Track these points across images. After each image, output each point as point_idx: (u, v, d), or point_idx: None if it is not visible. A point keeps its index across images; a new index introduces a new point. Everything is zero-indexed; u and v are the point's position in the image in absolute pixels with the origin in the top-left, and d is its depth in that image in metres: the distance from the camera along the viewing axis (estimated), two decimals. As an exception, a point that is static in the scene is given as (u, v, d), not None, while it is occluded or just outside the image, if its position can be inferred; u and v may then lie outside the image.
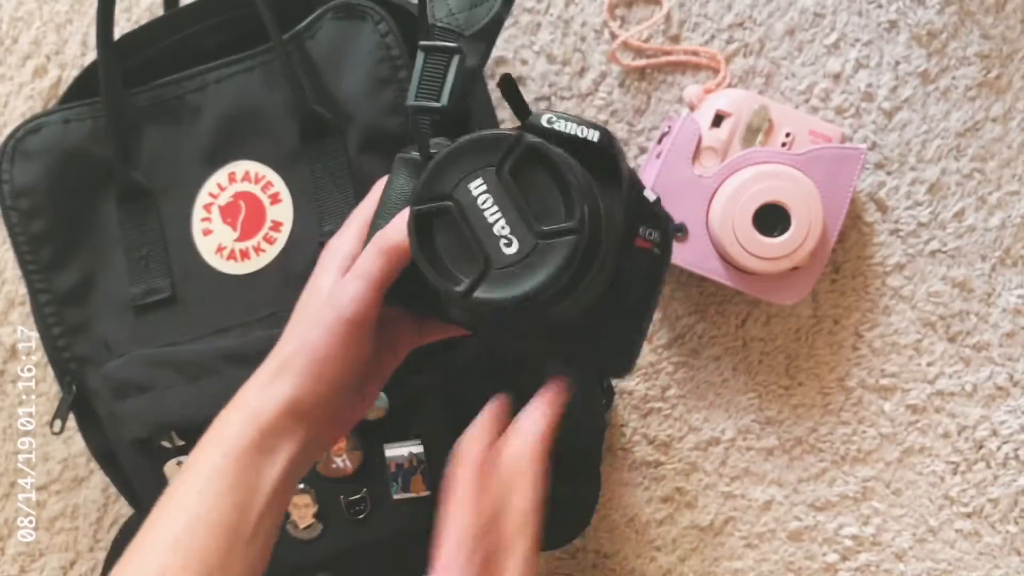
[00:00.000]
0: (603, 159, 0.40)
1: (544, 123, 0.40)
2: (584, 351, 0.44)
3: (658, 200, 0.44)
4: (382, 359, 0.47)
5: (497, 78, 0.67)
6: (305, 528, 0.57)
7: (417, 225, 0.37)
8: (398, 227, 0.43)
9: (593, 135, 0.40)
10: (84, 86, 0.59)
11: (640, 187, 0.44)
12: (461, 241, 0.36)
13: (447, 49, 0.43)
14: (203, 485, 0.42)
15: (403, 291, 0.44)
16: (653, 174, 0.63)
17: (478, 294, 0.36)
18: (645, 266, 0.44)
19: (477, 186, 0.36)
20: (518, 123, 0.44)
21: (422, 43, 0.43)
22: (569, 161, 0.37)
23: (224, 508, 0.42)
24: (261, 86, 0.57)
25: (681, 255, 0.63)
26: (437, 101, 0.42)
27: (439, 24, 0.44)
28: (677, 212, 0.63)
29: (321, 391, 0.44)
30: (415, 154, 0.44)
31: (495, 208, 0.36)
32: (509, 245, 0.36)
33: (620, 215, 0.42)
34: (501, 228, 0.36)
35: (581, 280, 0.37)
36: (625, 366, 0.45)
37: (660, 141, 0.66)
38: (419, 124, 0.42)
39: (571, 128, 0.40)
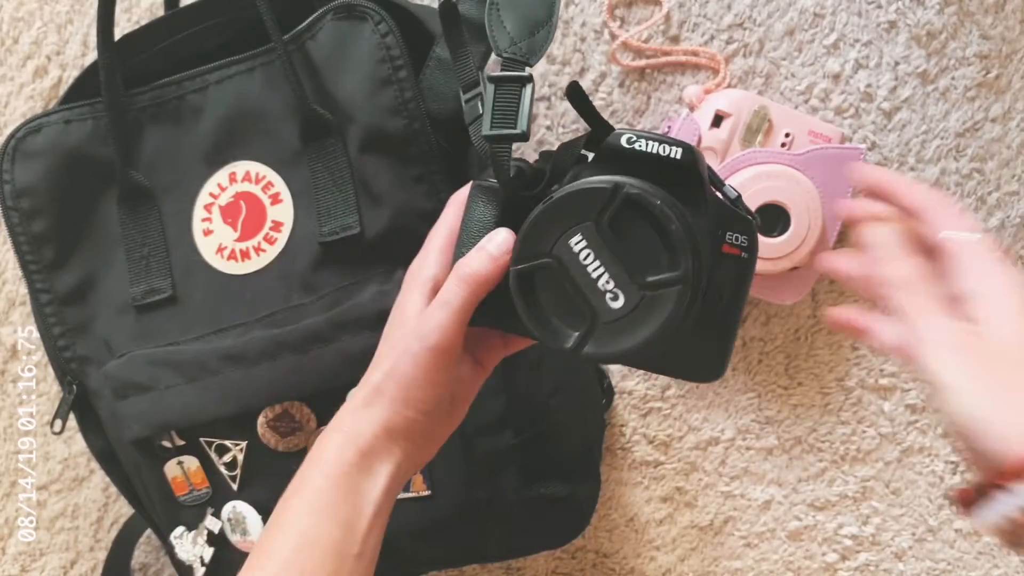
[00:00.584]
0: (688, 176, 0.40)
1: (624, 143, 0.40)
2: (674, 363, 0.43)
3: (739, 197, 0.44)
4: (471, 375, 0.48)
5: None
6: (305, 528, 0.57)
7: (519, 285, 0.36)
8: (479, 257, 0.44)
9: (676, 152, 0.40)
10: (85, 86, 0.59)
11: (720, 185, 0.43)
12: (565, 296, 0.36)
13: (519, 79, 0.43)
14: (309, 507, 0.44)
15: (489, 311, 0.44)
16: None
17: (587, 350, 0.36)
18: (734, 272, 0.43)
19: (577, 242, 0.36)
20: (587, 130, 0.44)
21: (492, 75, 0.44)
22: (667, 209, 0.36)
23: (331, 528, 0.43)
24: (262, 86, 0.57)
25: None
26: (515, 128, 0.42)
27: (505, 55, 0.45)
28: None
29: (412, 415, 0.45)
30: (492, 181, 0.44)
31: (597, 263, 0.36)
32: (615, 299, 0.36)
33: (707, 229, 0.41)
34: (605, 283, 0.36)
35: (686, 321, 0.37)
36: (718, 372, 0.44)
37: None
38: (497, 153, 0.43)
39: (653, 147, 0.40)
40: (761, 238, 0.61)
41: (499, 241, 0.43)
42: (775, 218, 0.61)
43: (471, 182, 0.46)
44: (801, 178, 0.62)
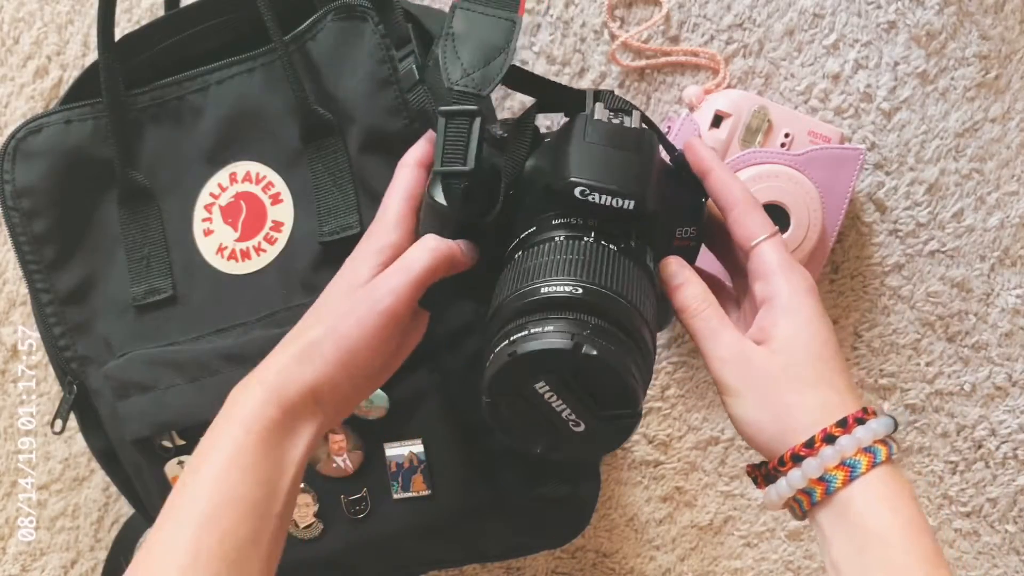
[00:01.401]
0: (641, 219, 0.43)
1: (578, 195, 0.42)
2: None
3: (684, 166, 0.47)
4: (404, 346, 0.48)
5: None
6: (306, 527, 0.57)
7: (490, 410, 0.39)
8: (450, 243, 0.45)
9: (629, 204, 0.42)
10: (85, 86, 0.59)
11: (672, 151, 0.47)
12: (532, 416, 0.39)
13: (467, 112, 0.44)
14: (228, 461, 0.42)
15: (437, 299, 0.46)
16: None
17: (553, 456, 0.40)
18: (683, 256, 0.47)
19: (542, 387, 0.38)
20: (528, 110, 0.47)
21: (442, 108, 0.45)
22: (625, 362, 0.38)
23: (252, 486, 0.42)
24: (262, 87, 0.57)
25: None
26: (464, 164, 0.44)
27: (456, 88, 0.45)
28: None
29: (344, 379, 0.44)
30: (443, 203, 0.46)
31: (560, 402, 0.38)
32: (577, 425, 0.39)
33: (661, 253, 0.46)
34: (568, 415, 0.39)
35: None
36: (663, 324, 0.48)
37: (659, 142, 0.66)
38: (450, 188, 0.44)
39: (606, 200, 0.42)
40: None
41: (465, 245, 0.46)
42: (775, 218, 0.61)
43: (427, 187, 0.46)
44: (801, 178, 0.62)
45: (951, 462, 0.72)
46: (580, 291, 0.39)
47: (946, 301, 0.69)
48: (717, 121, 0.63)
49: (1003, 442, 0.71)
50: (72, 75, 0.69)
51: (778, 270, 0.44)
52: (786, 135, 0.63)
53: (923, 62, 0.67)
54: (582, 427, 0.38)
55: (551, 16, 0.67)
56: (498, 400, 0.39)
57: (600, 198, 0.41)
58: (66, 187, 0.58)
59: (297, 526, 0.57)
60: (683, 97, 0.66)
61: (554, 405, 0.38)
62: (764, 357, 0.43)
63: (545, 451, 0.40)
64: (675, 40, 0.67)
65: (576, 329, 0.38)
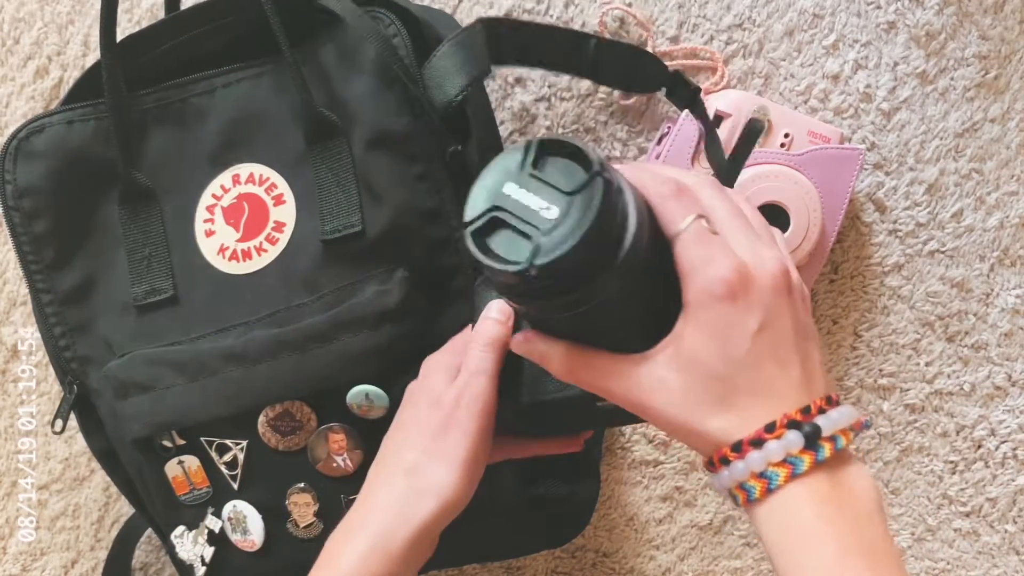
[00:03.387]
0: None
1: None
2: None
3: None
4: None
5: (499, 79, 0.67)
6: (306, 527, 0.58)
7: (475, 239, 0.38)
8: (488, 323, 0.48)
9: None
10: (87, 87, 0.59)
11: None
12: (513, 234, 0.38)
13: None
14: None
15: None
16: None
17: (539, 261, 0.37)
18: None
19: (510, 188, 0.38)
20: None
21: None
22: (575, 140, 0.38)
23: None
24: (269, 91, 0.57)
25: None
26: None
27: None
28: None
29: (465, 497, 0.48)
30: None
31: (529, 194, 0.38)
32: (548, 210, 0.37)
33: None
34: (539, 203, 0.38)
35: (624, 229, 0.38)
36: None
37: (660, 142, 0.66)
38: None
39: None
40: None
41: (498, 306, 0.48)
42: (774, 218, 0.61)
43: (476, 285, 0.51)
44: (800, 178, 0.62)
45: (951, 462, 0.72)
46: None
47: (946, 301, 0.70)
48: (717, 122, 0.63)
49: (1003, 442, 0.71)
50: (72, 75, 0.70)
51: (687, 271, 0.39)
52: (786, 135, 0.63)
53: (923, 62, 0.67)
54: (553, 211, 0.37)
55: (551, 16, 0.67)
56: (481, 226, 0.38)
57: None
58: (67, 187, 0.58)
59: (297, 526, 0.57)
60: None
61: (525, 202, 0.38)
62: (690, 356, 0.39)
63: (529, 259, 0.37)
64: (675, 40, 0.67)
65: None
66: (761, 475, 0.38)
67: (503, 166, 0.39)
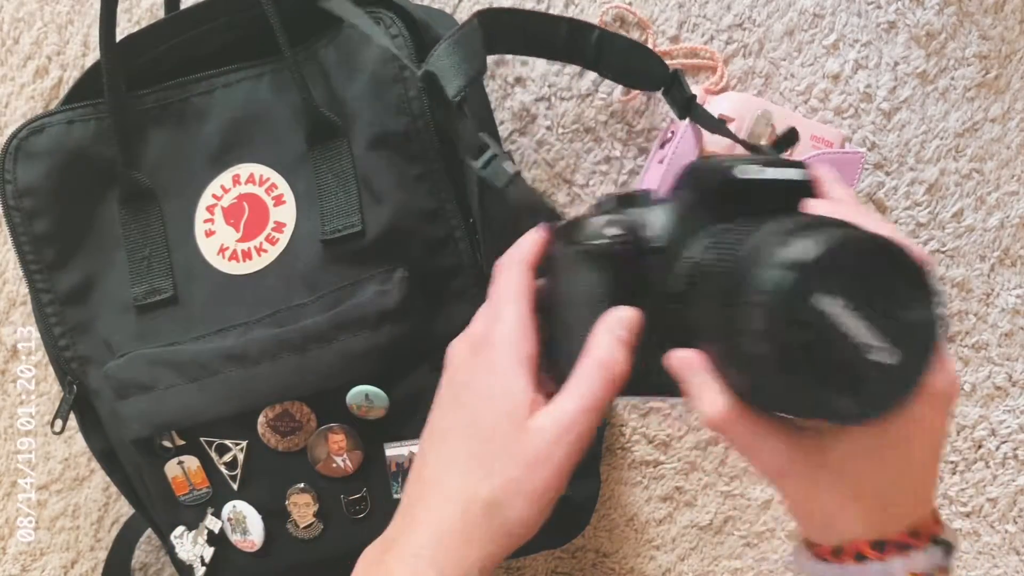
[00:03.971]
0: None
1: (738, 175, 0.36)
2: None
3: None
4: None
5: (499, 79, 0.67)
6: (305, 527, 0.57)
7: (778, 356, 0.30)
8: (613, 345, 0.38)
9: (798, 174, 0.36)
10: (87, 87, 0.59)
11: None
12: (827, 361, 0.30)
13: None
14: None
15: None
16: (656, 178, 0.63)
17: (871, 415, 0.31)
18: None
19: (833, 307, 0.30)
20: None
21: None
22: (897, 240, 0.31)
23: None
24: (269, 91, 0.57)
25: None
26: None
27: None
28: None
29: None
30: (595, 242, 0.39)
31: (857, 319, 0.30)
32: (883, 351, 0.30)
33: None
34: (867, 334, 0.30)
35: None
36: None
37: (663, 146, 0.65)
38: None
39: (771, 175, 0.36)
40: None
41: (627, 320, 0.38)
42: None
43: (569, 248, 0.40)
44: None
45: (951, 462, 0.72)
46: (811, 220, 0.33)
47: (946, 301, 0.69)
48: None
49: (1003, 442, 0.71)
50: (72, 75, 0.69)
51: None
52: (788, 138, 0.63)
53: (923, 62, 0.67)
54: (888, 353, 0.29)
55: (551, 16, 0.67)
56: (792, 341, 0.29)
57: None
58: (68, 187, 0.58)
59: (297, 526, 0.57)
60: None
61: (847, 329, 0.29)
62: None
63: (860, 409, 0.30)
64: (675, 40, 0.67)
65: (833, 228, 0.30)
66: None
67: (834, 244, 0.30)
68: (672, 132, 0.65)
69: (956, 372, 0.36)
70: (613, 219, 0.38)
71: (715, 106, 0.63)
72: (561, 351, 0.40)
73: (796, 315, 0.29)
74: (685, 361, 0.36)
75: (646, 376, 0.38)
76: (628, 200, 0.39)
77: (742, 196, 0.36)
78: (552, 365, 0.40)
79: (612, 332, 0.38)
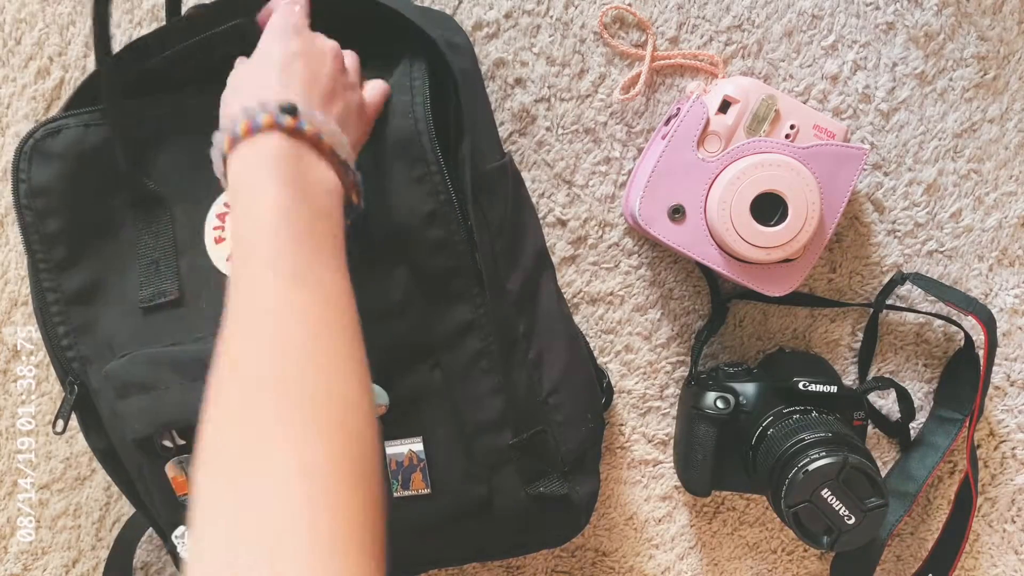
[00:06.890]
0: (846, 402, 0.66)
1: (800, 388, 0.65)
2: None
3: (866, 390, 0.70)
4: None
5: (499, 80, 0.68)
6: (306, 526, 0.57)
7: (794, 518, 0.59)
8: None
9: (832, 388, 0.66)
10: (96, 90, 0.59)
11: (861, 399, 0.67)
12: (818, 517, 0.59)
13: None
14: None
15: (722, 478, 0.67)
16: (657, 154, 0.63)
17: (836, 548, 0.60)
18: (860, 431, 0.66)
19: (826, 494, 0.58)
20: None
21: None
22: (870, 468, 0.59)
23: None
24: None
25: (677, 237, 0.63)
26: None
27: None
28: (677, 194, 0.63)
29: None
30: (710, 412, 0.65)
31: (838, 501, 0.58)
32: (850, 519, 0.59)
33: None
34: (843, 511, 0.59)
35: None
36: None
37: (667, 123, 0.65)
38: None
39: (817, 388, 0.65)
40: (757, 226, 0.61)
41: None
42: (773, 207, 0.61)
43: (693, 412, 0.66)
44: (803, 170, 0.61)
45: (950, 462, 0.72)
46: (830, 435, 0.60)
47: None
48: (725, 107, 0.62)
49: (1002, 442, 0.71)
50: (74, 76, 0.70)
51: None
52: (792, 127, 0.62)
53: (921, 63, 0.67)
54: (853, 520, 0.58)
55: (551, 17, 0.67)
56: (798, 510, 0.59)
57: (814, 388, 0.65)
58: (80, 189, 0.58)
59: (298, 525, 0.57)
60: (687, 92, 0.66)
61: (834, 505, 0.58)
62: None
63: (830, 545, 0.59)
64: (674, 41, 0.67)
65: (839, 452, 0.59)
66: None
67: (824, 475, 0.58)
68: (678, 108, 0.64)
69: None
70: (721, 396, 0.65)
71: (720, 88, 0.63)
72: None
73: (805, 498, 0.59)
74: None
75: (733, 473, 0.66)
76: (730, 375, 0.66)
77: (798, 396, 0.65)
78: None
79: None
